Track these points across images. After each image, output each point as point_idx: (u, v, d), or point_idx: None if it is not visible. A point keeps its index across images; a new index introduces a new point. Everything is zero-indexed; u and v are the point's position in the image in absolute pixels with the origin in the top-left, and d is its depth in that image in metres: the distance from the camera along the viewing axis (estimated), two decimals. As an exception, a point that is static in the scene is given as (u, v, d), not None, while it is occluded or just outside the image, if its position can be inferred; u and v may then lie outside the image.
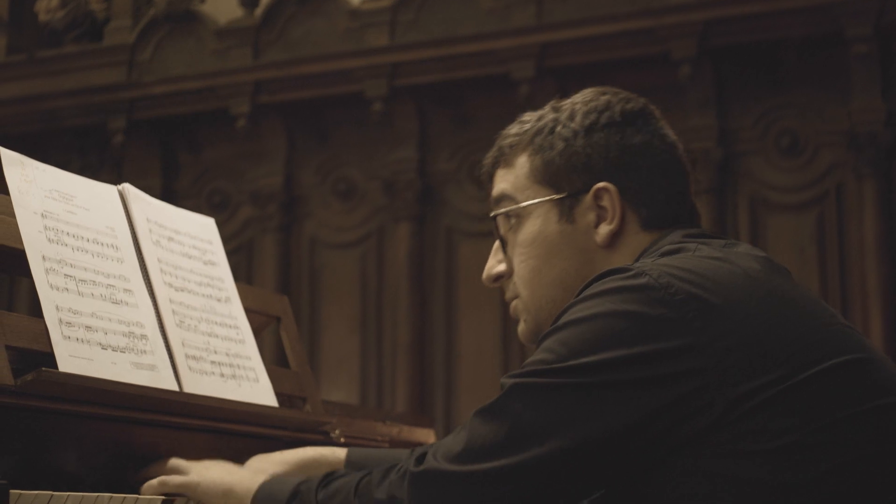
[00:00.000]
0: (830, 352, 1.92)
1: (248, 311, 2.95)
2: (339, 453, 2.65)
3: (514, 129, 2.35)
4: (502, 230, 2.33)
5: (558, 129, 2.26)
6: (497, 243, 2.37)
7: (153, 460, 2.47)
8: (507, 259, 2.33)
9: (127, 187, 2.72)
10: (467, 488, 1.93)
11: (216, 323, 2.80)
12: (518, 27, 6.95)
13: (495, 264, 2.37)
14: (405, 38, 7.32)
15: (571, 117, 2.26)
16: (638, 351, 1.87)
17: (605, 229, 2.20)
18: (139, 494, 2.28)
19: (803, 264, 6.45)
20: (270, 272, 7.70)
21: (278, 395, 2.92)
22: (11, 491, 1.98)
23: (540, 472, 1.90)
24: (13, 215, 2.38)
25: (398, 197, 7.45)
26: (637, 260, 2.14)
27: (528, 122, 2.33)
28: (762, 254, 2.09)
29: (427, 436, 3.82)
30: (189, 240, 2.85)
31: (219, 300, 2.86)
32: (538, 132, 2.28)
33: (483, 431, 1.94)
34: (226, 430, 2.67)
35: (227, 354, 2.80)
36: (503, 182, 2.34)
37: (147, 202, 2.76)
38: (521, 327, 2.32)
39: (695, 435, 1.86)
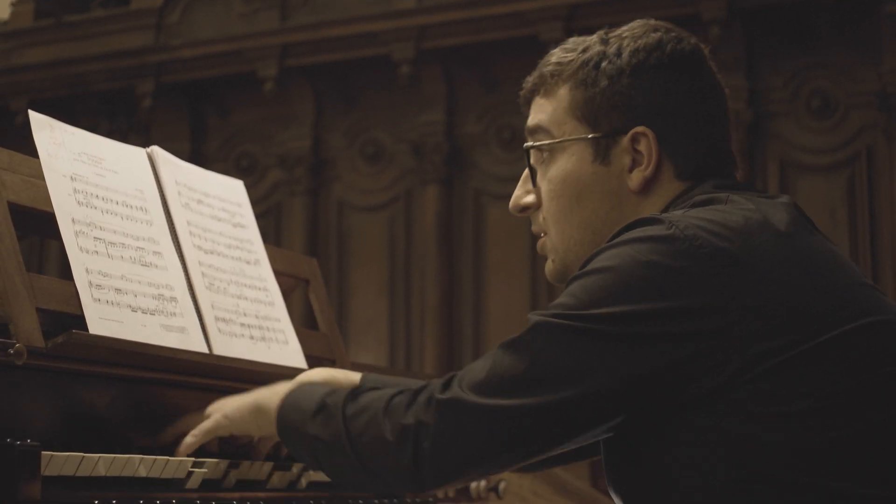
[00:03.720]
0: (853, 314, 1.89)
1: (277, 273, 2.95)
2: (353, 377, 2.48)
3: (557, 55, 2.24)
4: (533, 160, 2.24)
5: (604, 64, 2.16)
6: (526, 172, 2.27)
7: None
8: (537, 190, 2.25)
9: (156, 150, 2.72)
10: (486, 421, 1.94)
11: (245, 285, 2.81)
12: (546, -12, 6.91)
13: (523, 194, 2.28)
14: (432, 0, 7.30)
15: (619, 53, 2.16)
16: (658, 305, 1.86)
17: (638, 175, 2.13)
18: (170, 456, 2.29)
19: (834, 226, 6.42)
20: (298, 235, 7.72)
21: (307, 357, 2.93)
22: (43, 452, 1.99)
23: (553, 415, 1.91)
24: (43, 178, 2.38)
25: (426, 160, 7.44)
26: (667, 209, 2.10)
27: (573, 50, 2.22)
28: (794, 207, 2.06)
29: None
30: (218, 202, 2.85)
31: (248, 262, 2.86)
32: (583, 64, 2.18)
33: (505, 365, 1.95)
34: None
35: (257, 317, 2.80)
36: (540, 112, 2.23)
37: (176, 165, 2.76)
38: (549, 266, 2.26)
39: (709, 391, 1.85)
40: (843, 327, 1.87)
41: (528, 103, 2.28)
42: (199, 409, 2.48)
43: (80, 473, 2.08)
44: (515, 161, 7.24)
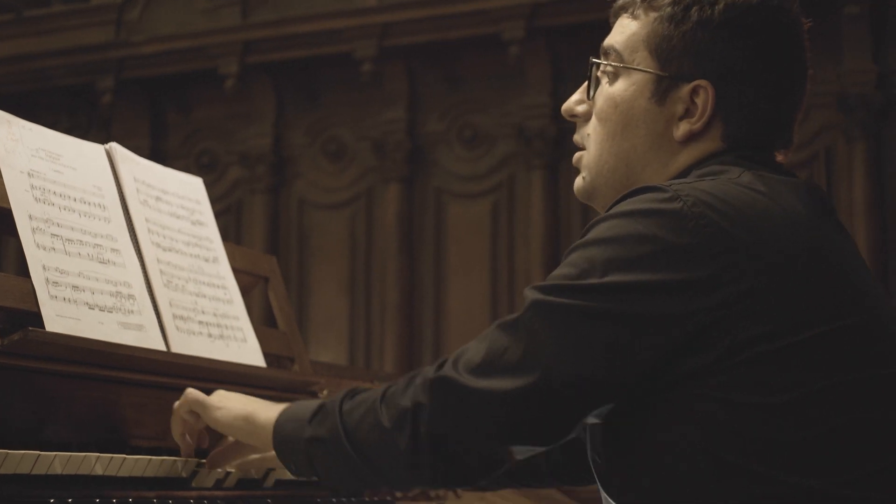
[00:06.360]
0: (845, 311, 1.90)
1: (235, 271, 2.94)
2: None
3: None
4: (597, 73, 2.22)
5: (695, 8, 2.11)
6: (586, 84, 2.25)
7: (140, 421, 2.47)
8: (590, 104, 2.23)
9: (114, 146, 2.71)
10: (479, 404, 1.92)
11: (204, 283, 2.80)
12: (509, -13, 6.92)
13: (578, 102, 2.26)
14: (395, -3, 7.30)
15: (714, 2, 2.10)
16: (658, 278, 1.86)
17: (685, 126, 2.10)
18: (126, 455, 2.28)
19: (792, 226, 6.44)
20: (259, 233, 7.70)
21: (266, 355, 2.92)
22: (-2, 450, 1.98)
23: (550, 397, 1.90)
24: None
25: (388, 158, 7.44)
26: (688, 170, 2.09)
27: None
28: (807, 192, 2.04)
29: (415, 396, 3.82)
30: (177, 199, 2.84)
31: (206, 260, 2.85)
32: (676, 1, 2.13)
33: (501, 346, 1.93)
34: (213, 390, 2.66)
35: (215, 314, 2.79)
36: (619, 34, 2.20)
37: (135, 162, 2.75)
38: (578, 182, 2.24)
39: (695, 371, 1.85)
40: (832, 324, 1.87)
41: (616, 17, 2.24)
42: (157, 407, 2.47)
43: (35, 472, 2.07)
44: (477, 160, 7.26)
